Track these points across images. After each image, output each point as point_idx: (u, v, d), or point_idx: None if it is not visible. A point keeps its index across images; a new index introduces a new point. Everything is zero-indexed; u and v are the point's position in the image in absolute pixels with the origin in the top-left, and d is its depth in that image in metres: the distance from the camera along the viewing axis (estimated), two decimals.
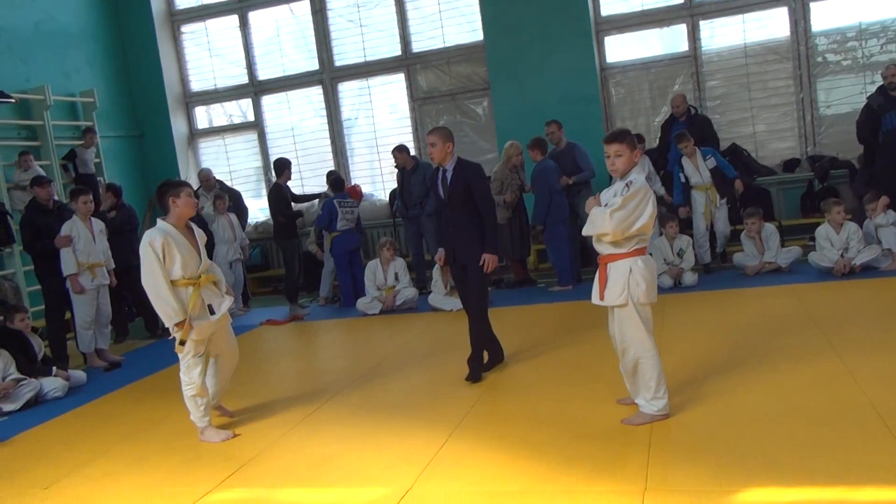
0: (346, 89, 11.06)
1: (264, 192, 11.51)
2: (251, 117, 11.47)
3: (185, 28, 11.48)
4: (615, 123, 9.86)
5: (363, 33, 10.77)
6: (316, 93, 11.13)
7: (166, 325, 4.34)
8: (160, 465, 4.22)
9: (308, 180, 11.02)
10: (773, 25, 9.33)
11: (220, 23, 11.38)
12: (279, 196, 8.59)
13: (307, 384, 5.52)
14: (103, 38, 10.77)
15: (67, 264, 6.55)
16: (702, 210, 7.93)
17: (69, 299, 6.76)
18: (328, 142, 11.11)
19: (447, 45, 10.41)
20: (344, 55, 10.93)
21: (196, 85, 11.61)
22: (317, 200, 9.66)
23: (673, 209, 8.02)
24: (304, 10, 10.97)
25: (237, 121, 11.69)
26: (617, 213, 3.71)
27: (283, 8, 11.11)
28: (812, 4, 9.08)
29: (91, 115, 10.08)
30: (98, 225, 6.84)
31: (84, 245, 6.63)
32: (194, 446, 4.45)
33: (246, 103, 11.54)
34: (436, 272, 7.77)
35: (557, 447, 3.73)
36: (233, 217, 8.87)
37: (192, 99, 11.61)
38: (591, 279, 8.04)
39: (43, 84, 9.25)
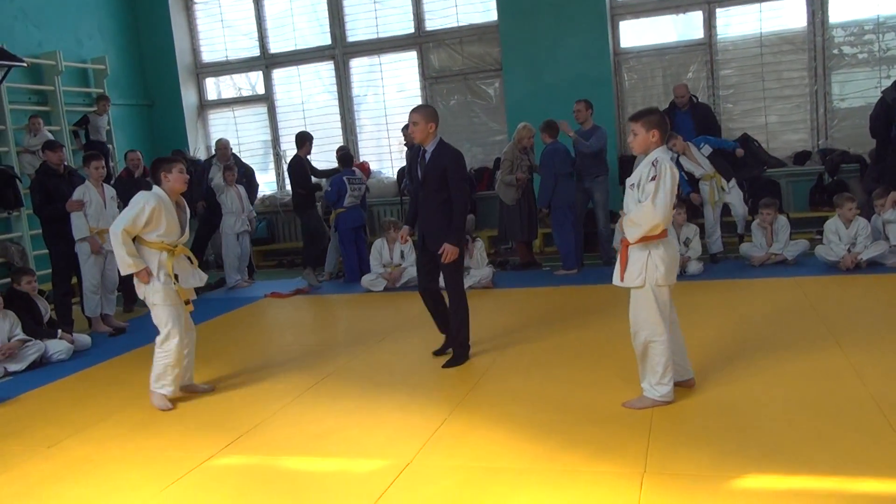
0: (357, 65, 11.02)
1: (272, 165, 11.53)
2: (261, 90, 11.44)
3: None
4: (626, 108, 9.81)
5: (376, 10, 10.71)
6: (327, 68, 11.10)
7: (125, 273, 4.52)
8: (163, 430, 4.26)
9: (316, 155, 10.88)
10: (789, 16, 9.25)
11: None
12: (299, 168, 8.55)
13: (309, 357, 5.55)
14: (116, 5, 10.73)
15: (79, 228, 6.58)
16: (709, 199, 7.90)
17: (77, 263, 6.79)
18: (338, 118, 11.08)
19: (461, 24, 10.34)
20: (356, 31, 10.88)
21: (207, 56, 11.58)
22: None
23: (683, 199, 7.99)
24: None
25: (245, 93, 11.66)
26: (658, 199, 3.69)
27: None
28: None
29: (102, 82, 10.06)
30: (109, 191, 6.86)
31: (95, 210, 6.65)
32: (197, 414, 4.50)
33: (256, 76, 11.51)
34: None
35: (559, 428, 3.75)
36: (241, 189, 8.86)
37: (203, 70, 11.57)
38: (594, 264, 8.15)
39: (55, 50, 9.24)
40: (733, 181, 7.90)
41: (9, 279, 6.56)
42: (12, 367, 5.67)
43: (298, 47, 11.14)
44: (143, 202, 4.43)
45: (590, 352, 5.07)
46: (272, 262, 10.85)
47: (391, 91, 10.92)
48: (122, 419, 4.50)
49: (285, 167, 11.27)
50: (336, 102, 11.06)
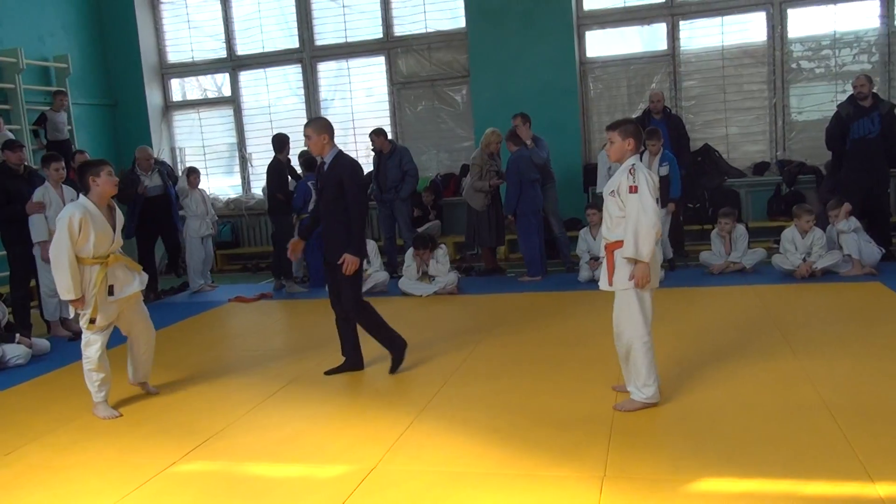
0: (325, 70, 11.01)
1: (237, 168, 11.45)
2: (227, 92, 11.36)
3: None
4: (592, 117, 9.96)
5: (345, 14, 10.72)
6: (294, 71, 11.06)
7: (64, 298, 4.42)
8: (124, 436, 4.22)
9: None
10: (750, 30, 9.48)
11: None
12: (278, 172, 8.42)
13: (274, 362, 5.53)
14: (80, 3, 10.59)
15: (39, 231, 6.45)
16: None
17: (35, 266, 6.68)
18: (305, 121, 10.98)
19: (429, 30, 10.40)
20: (325, 35, 10.87)
21: (173, 56, 11.47)
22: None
23: None
24: None
25: (211, 95, 11.57)
26: (647, 204, 3.77)
27: None
28: (789, 11, 9.24)
29: (64, 81, 9.91)
30: (69, 193, 6.73)
31: (55, 212, 6.48)
32: (159, 419, 4.46)
33: (222, 78, 11.43)
34: (408, 256, 7.80)
35: (521, 433, 3.80)
36: (205, 191, 8.78)
37: (169, 70, 11.46)
38: (558, 271, 8.24)
39: (16, 47, 9.09)
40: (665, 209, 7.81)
41: None
42: None
43: (266, 50, 11.09)
44: (69, 216, 4.31)
45: (553, 357, 5.14)
46: (237, 265, 10.77)
47: (359, 96, 10.93)
48: (81, 425, 4.45)
49: (250, 170, 11.26)
50: (303, 106, 11.03)
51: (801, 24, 9.30)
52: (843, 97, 8.15)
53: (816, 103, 9.27)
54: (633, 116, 9.22)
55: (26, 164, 6.97)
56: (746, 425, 3.69)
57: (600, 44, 9.93)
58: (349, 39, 10.75)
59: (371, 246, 8.04)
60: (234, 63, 11.19)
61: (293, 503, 3.27)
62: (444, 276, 7.61)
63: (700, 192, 9.19)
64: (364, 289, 7.76)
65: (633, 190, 3.81)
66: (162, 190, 8.46)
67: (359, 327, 5.08)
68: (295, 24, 10.87)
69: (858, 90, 7.54)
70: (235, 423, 4.29)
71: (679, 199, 7.84)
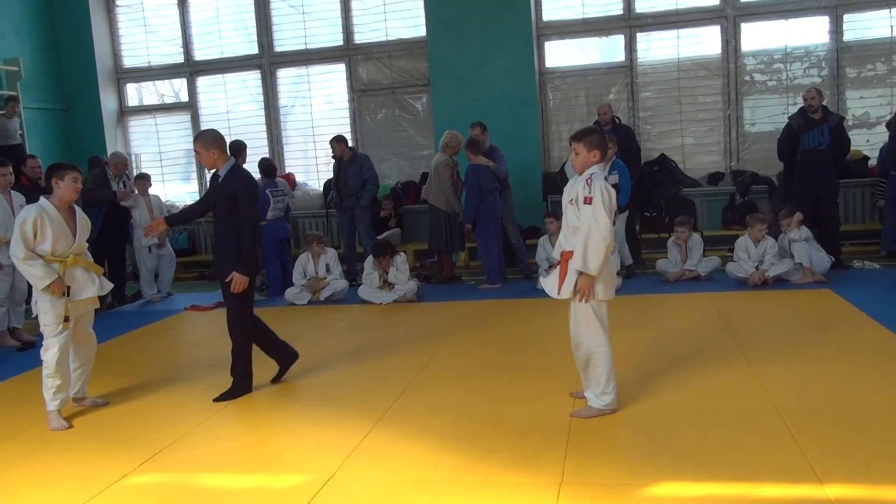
0: (285, 76, 10.94)
1: (194, 175, 11.30)
2: (184, 98, 11.22)
3: (119, 1, 11.14)
4: (551, 126, 10.07)
5: (305, 20, 10.67)
6: (253, 77, 10.97)
7: (40, 288, 4.39)
8: (74, 448, 4.12)
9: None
10: (705, 43, 9.68)
11: None
12: None
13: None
14: (32, 5, 10.37)
15: None
16: None
17: None
18: (264, 128, 10.96)
19: (390, 38, 10.41)
20: (284, 41, 10.81)
21: (129, 61, 11.30)
22: None
23: None
24: None
25: (168, 101, 11.41)
26: (600, 217, 3.76)
27: None
28: (743, 25, 9.47)
29: (15, 84, 9.67)
30: (18, 199, 6.56)
31: (2, 218, 6.37)
32: (111, 430, 4.36)
33: (179, 83, 11.28)
34: (367, 264, 7.78)
35: (479, 440, 3.81)
36: (158, 198, 8.64)
37: (124, 75, 11.28)
38: (516, 278, 8.29)
39: None
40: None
41: None
42: None
43: (224, 55, 10.98)
44: (25, 216, 4.41)
45: (512, 364, 5.16)
46: (194, 273, 10.61)
47: (319, 103, 10.88)
48: (29, 437, 4.32)
49: (208, 176, 11.09)
50: (262, 112, 10.94)
51: (754, 38, 9.53)
52: (794, 109, 8.35)
53: (768, 115, 9.50)
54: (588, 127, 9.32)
55: None
56: (700, 430, 3.75)
57: (559, 54, 10.05)
58: (309, 46, 10.70)
59: (331, 254, 8.02)
60: (191, 68, 11.05)
61: None
62: (403, 283, 7.59)
63: (656, 201, 9.34)
64: (323, 297, 7.78)
65: (588, 201, 3.82)
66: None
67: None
68: (254, 30, 10.78)
69: (809, 103, 7.74)
70: (190, 434, 4.22)
71: (625, 208, 7.83)
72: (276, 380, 5.04)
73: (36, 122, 10.18)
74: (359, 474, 3.53)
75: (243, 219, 4.63)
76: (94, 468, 3.80)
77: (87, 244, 4.70)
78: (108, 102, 11.06)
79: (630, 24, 9.73)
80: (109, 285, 4.82)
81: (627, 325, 6.01)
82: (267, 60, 10.79)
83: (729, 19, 9.45)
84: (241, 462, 3.79)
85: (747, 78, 9.60)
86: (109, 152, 10.69)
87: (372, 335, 6.34)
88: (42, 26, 10.51)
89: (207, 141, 4.68)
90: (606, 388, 3.98)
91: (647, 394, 4.31)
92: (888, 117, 8.49)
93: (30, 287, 4.59)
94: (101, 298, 8.00)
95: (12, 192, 6.55)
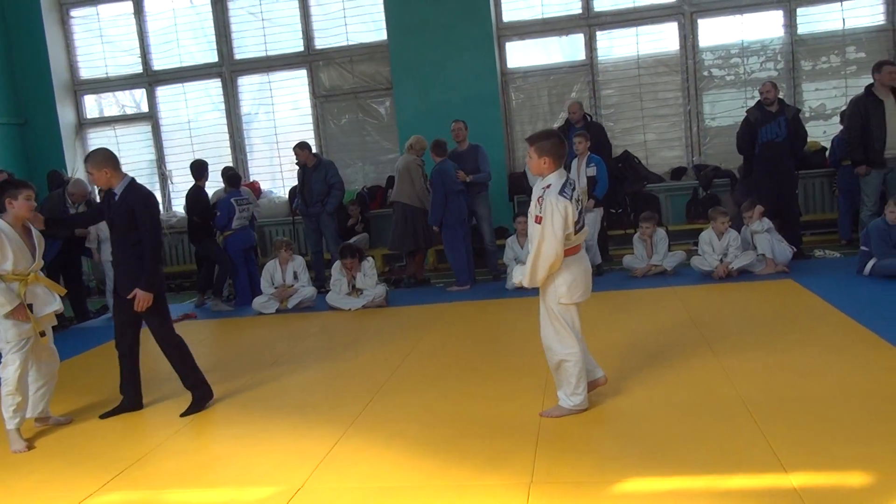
0: (247, 83, 10.84)
1: (158, 186, 11.14)
2: (146, 108, 11.06)
3: (74, 12, 10.97)
4: (514, 127, 10.10)
5: (265, 27, 10.59)
6: (214, 86, 10.86)
7: (2, 314, 4.32)
8: (36, 468, 4.03)
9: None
10: (663, 39, 9.78)
11: (112, 8, 10.95)
12: (200, 198, 8.31)
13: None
14: None
15: None
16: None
17: None
18: (226, 136, 10.85)
19: (351, 42, 10.37)
20: (245, 48, 10.71)
21: (86, 72, 11.11)
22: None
23: None
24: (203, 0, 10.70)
25: (130, 111, 11.25)
26: (548, 235, 3.75)
27: None
28: (700, 21, 9.58)
29: None
30: None
31: None
32: (75, 449, 4.28)
33: (140, 94, 11.12)
34: (335, 270, 7.73)
35: (449, 444, 3.80)
36: None
37: (81, 87, 11.09)
38: (485, 280, 8.30)
39: None
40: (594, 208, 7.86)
41: None
42: None
43: (184, 64, 10.85)
44: None
45: (481, 366, 5.16)
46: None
47: (282, 109, 10.80)
48: None
49: (171, 188, 10.97)
50: (224, 121, 10.83)
51: (711, 33, 9.65)
52: (752, 103, 8.46)
53: (728, 109, 9.62)
54: (555, 126, 9.39)
55: None
56: (668, 425, 3.78)
57: (520, 54, 10.08)
58: (269, 53, 10.62)
59: (298, 261, 7.96)
60: (150, 78, 10.90)
61: None
62: (371, 288, 7.56)
63: (621, 197, 9.41)
64: (291, 304, 7.72)
65: (538, 220, 3.81)
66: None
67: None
68: (213, 38, 10.67)
69: (765, 96, 7.86)
70: (157, 449, 4.15)
71: (602, 199, 7.93)
72: (105, 415, 4.78)
73: None
74: (329, 483, 3.51)
75: (143, 234, 4.53)
76: (59, 489, 3.73)
77: (43, 261, 4.64)
78: (65, 115, 10.87)
79: (589, 22, 9.80)
80: (58, 304, 4.71)
81: (596, 323, 6.02)
82: (227, 68, 10.69)
83: (686, 16, 9.57)
84: (210, 476, 3.74)
85: (706, 73, 9.72)
86: (69, 165, 10.55)
87: (341, 342, 6.30)
88: None
89: (98, 161, 4.53)
90: (577, 389, 3.98)
91: (616, 391, 4.33)
92: (843, 108, 8.65)
93: None
94: (61, 317, 7.93)
95: None
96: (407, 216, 8.29)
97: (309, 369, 5.56)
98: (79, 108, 11.12)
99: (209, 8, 10.61)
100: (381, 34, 10.11)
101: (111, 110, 11.36)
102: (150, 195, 4.72)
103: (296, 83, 10.66)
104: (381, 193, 10.25)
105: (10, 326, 4.34)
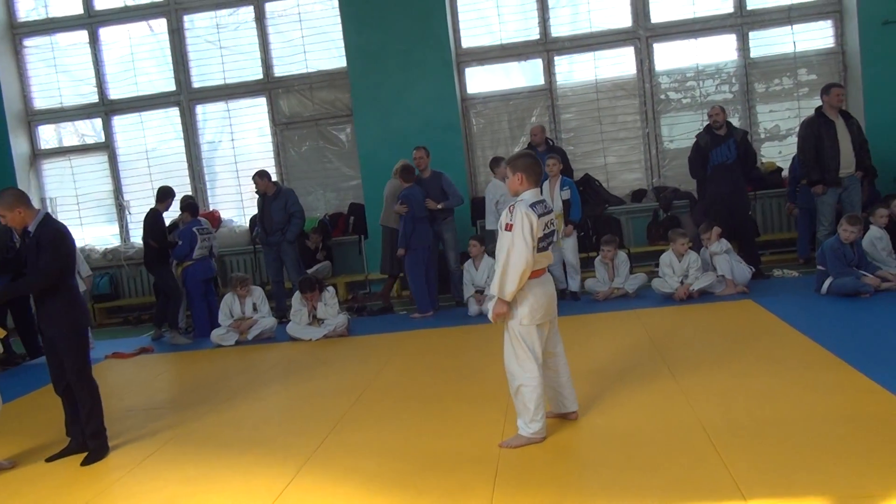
0: (209, 111, 10.74)
1: (115, 217, 10.95)
2: (102, 138, 10.89)
3: (27, 42, 10.79)
4: (476, 152, 10.12)
5: (223, 55, 10.52)
6: (173, 114, 10.73)
7: None
8: None
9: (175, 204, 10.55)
10: (621, 64, 9.90)
11: (67, 38, 10.81)
12: (155, 221, 8.15)
13: (151, 422, 5.22)
14: None
15: None
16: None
17: None
18: (185, 165, 10.71)
19: (310, 70, 10.33)
20: (203, 77, 10.62)
21: (40, 102, 10.91)
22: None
23: None
24: (160, 28, 10.60)
25: (89, 141, 11.05)
26: (518, 243, 3.77)
27: (138, 25, 10.70)
28: (655, 45, 9.73)
29: None
30: None
31: None
32: (20, 495, 4.11)
33: (97, 123, 10.94)
34: (295, 300, 7.61)
35: (406, 480, 3.71)
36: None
37: (35, 117, 10.89)
38: (448, 305, 8.24)
39: None
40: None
41: None
42: None
43: (141, 93, 10.72)
44: None
45: (441, 395, 5.08)
46: (117, 319, 10.23)
47: (242, 137, 10.70)
48: None
49: (129, 218, 10.78)
50: (183, 149, 10.69)
51: (667, 57, 9.80)
52: None
53: (685, 132, 9.74)
54: (516, 150, 9.40)
55: None
56: (628, 452, 3.74)
57: (480, 80, 10.13)
58: (228, 81, 10.54)
59: (257, 293, 7.83)
60: (106, 107, 10.75)
61: None
62: (333, 318, 7.45)
63: (583, 220, 9.42)
64: (251, 336, 7.58)
65: (508, 228, 3.84)
66: None
67: None
68: (170, 67, 10.56)
69: (714, 119, 7.98)
70: (106, 492, 4.01)
71: (577, 223, 8.02)
72: (51, 458, 4.61)
73: None
74: None
75: (42, 261, 4.34)
76: None
77: None
78: (18, 146, 10.65)
79: (547, 47, 9.89)
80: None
81: None
82: (185, 97, 10.58)
83: (642, 40, 9.71)
84: None
85: (663, 96, 9.85)
86: None
87: (301, 374, 6.18)
88: None
89: (9, 202, 4.38)
90: (535, 416, 3.93)
91: (577, 418, 4.28)
92: (797, 129, 8.80)
93: None
94: (12, 355, 7.71)
95: None
96: (394, 241, 8.24)
97: (266, 403, 5.44)
98: (33, 138, 10.90)
99: (167, 36, 10.51)
100: (340, 61, 10.09)
101: (70, 140, 11.15)
102: (62, 229, 4.52)
103: (256, 111, 10.59)
104: (343, 221, 10.18)
105: None
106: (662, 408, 4.32)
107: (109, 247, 10.67)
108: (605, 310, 7.28)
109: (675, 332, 6.18)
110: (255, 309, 7.75)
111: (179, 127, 10.71)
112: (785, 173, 9.34)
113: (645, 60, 9.74)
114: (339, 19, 9.85)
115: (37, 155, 10.93)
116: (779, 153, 9.64)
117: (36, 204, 9.97)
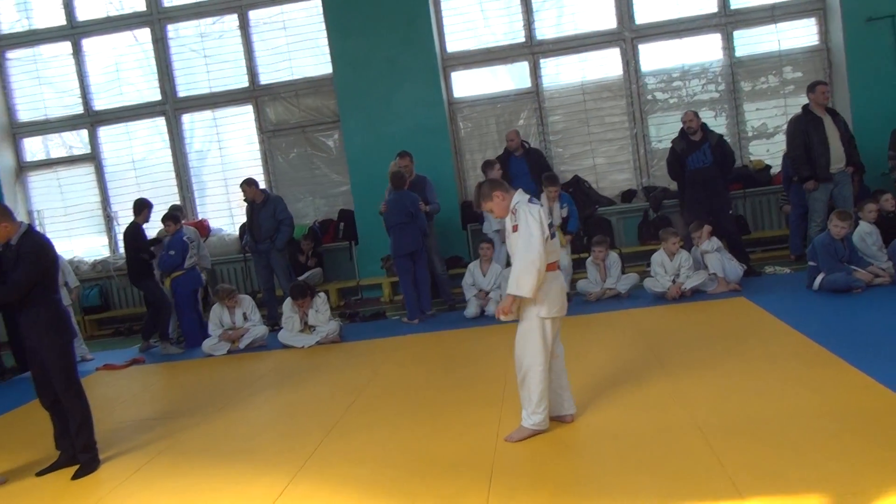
0: (196, 120, 10.68)
1: (103, 228, 10.87)
2: (88, 149, 10.81)
3: (10, 54, 10.72)
4: (464, 155, 10.11)
5: (208, 64, 10.47)
6: (159, 124, 10.67)
7: None
8: None
9: (153, 214, 10.47)
10: (607, 65, 9.91)
11: (51, 49, 10.74)
12: (136, 234, 8.09)
13: (143, 433, 5.17)
14: None
15: None
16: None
17: None
18: (173, 174, 10.65)
19: (296, 77, 10.30)
20: (189, 86, 10.57)
21: (25, 115, 10.84)
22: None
23: None
24: (144, 38, 10.55)
25: (77, 152, 10.96)
26: (528, 240, 3.85)
27: (121, 36, 10.64)
28: (640, 46, 9.74)
29: None
30: None
31: None
32: None
33: (83, 134, 10.87)
34: (286, 308, 7.56)
35: (400, 486, 3.68)
36: (61, 258, 8.24)
37: (20, 129, 10.81)
38: (442, 310, 8.21)
39: None
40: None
41: None
42: None
43: (126, 104, 10.66)
44: None
45: (435, 400, 5.05)
46: (108, 330, 10.16)
47: (230, 146, 10.65)
48: None
49: (117, 229, 10.70)
50: (171, 159, 10.64)
51: (652, 58, 9.81)
52: None
53: (673, 131, 9.63)
54: (499, 155, 9.34)
55: None
56: (623, 452, 3.72)
57: (467, 84, 10.13)
58: (214, 90, 10.49)
59: (246, 302, 7.78)
60: (92, 119, 10.68)
61: None
62: (324, 325, 7.41)
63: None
64: (243, 344, 7.53)
65: (515, 229, 3.94)
66: None
67: None
68: (156, 77, 10.51)
69: (688, 125, 7.99)
70: None
71: (574, 234, 8.20)
72: (41, 472, 4.55)
73: None
74: None
75: (20, 270, 4.31)
76: None
77: None
78: (4, 158, 10.58)
79: (533, 50, 9.89)
80: None
81: None
82: (171, 106, 10.52)
83: (627, 41, 9.72)
84: None
85: (650, 97, 9.86)
86: None
87: (293, 381, 6.14)
88: None
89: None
90: (537, 408, 3.98)
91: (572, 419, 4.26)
92: (784, 127, 8.83)
93: None
94: (2, 369, 7.64)
95: None
96: None
97: (259, 411, 5.40)
98: (18, 150, 10.82)
99: (151, 46, 10.46)
100: (326, 68, 10.06)
101: (57, 152, 11.06)
102: (44, 242, 4.49)
103: (242, 119, 10.55)
104: (334, 227, 10.14)
105: None
106: (657, 408, 4.31)
107: (98, 258, 10.58)
108: (598, 310, 7.27)
109: (669, 332, 6.17)
110: (245, 318, 7.70)
111: (166, 136, 10.65)
112: (774, 171, 9.38)
113: (631, 61, 9.75)
114: (323, 26, 9.81)
115: (22, 167, 10.85)
116: (767, 151, 9.67)
117: (23, 217, 9.97)
